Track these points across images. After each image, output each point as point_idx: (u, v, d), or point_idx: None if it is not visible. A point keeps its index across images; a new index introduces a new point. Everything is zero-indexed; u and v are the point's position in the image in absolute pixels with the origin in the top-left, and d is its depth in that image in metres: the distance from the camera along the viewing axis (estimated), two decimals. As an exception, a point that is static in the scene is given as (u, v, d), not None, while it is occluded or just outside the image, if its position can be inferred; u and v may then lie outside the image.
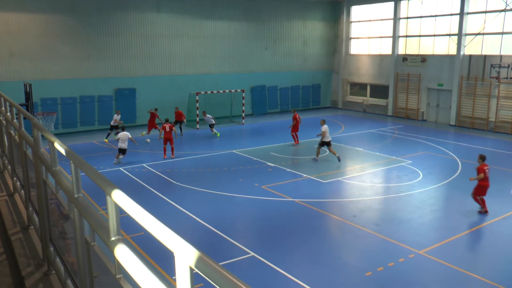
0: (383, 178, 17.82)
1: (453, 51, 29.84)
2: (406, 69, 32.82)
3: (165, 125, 20.67)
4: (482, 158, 14.05)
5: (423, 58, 31.67)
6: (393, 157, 20.23)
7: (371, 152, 21.78)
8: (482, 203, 13.90)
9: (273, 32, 34.64)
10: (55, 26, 25.83)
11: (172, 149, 20.70)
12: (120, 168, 18.65)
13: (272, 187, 16.27)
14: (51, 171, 4.16)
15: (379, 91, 35.28)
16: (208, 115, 25.79)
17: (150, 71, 29.35)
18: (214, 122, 25.66)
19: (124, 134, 19.31)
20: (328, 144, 19.67)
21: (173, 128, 20.70)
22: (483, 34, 28.27)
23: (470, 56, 28.70)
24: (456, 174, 18.03)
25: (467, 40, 29.06)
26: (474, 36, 28.62)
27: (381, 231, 12.46)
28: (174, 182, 16.90)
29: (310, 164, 19.53)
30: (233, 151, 21.95)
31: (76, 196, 3.35)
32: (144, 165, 19.29)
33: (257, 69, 34.19)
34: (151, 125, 25.01)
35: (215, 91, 29.63)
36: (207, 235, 12.18)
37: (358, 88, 37.30)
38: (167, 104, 29.73)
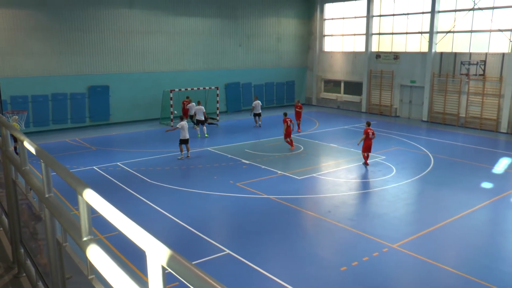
0: (358, 174, 17.99)
1: (425, 48, 30.36)
2: (379, 66, 33.25)
3: (286, 119, 21.19)
4: (368, 124, 18.73)
5: (395, 55, 32.14)
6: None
7: (346, 148, 21.99)
8: (365, 158, 18.52)
9: (247, 28, 34.62)
10: (24, 21, 25.20)
11: (291, 142, 21.52)
12: (94, 167, 18.38)
13: (247, 184, 16.28)
14: (20, 171, 4.08)
15: (353, 88, 35.65)
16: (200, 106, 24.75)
17: (123, 68, 28.98)
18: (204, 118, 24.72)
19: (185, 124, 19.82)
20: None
21: (292, 122, 21.37)
22: (453, 32, 28.84)
23: (441, 53, 29.25)
24: (429, 169, 18.37)
25: (438, 37, 29.61)
26: (445, 34, 29.18)
27: (356, 226, 12.61)
28: (149, 180, 16.75)
29: (285, 161, 19.62)
30: (208, 148, 21.87)
31: (47, 196, 3.29)
32: (118, 163, 19.05)
33: (231, 66, 34.12)
34: (185, 113, 27.31)
35: (189, 88, 29.44)
36: (182, 234, 12.11)
37: (332, 85, 37.60)
38: (141, 101, 29.49)
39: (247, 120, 30.16)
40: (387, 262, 10.55)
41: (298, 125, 26.14)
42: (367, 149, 18.49)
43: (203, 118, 24.56)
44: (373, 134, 18.44)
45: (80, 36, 27.07)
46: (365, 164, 18.64)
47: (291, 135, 21.65)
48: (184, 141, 19.70)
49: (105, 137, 24.94)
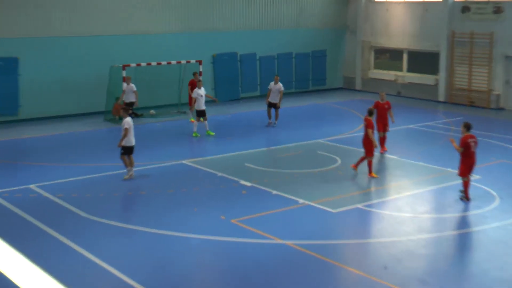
0: (433, 205, 17.92)
1: (545, -5, 30.32)
2: (468, 26, 33.10)
3: (368, 119, 20.30)
4: (466, 126, 17.61)
5: (497, 7, 31.91)
6: (449, 169, 20.34)
7: (412, 162, 21.90)
8: (465, 185, 17.61)
9: (250, -35, 34.79)
10: None
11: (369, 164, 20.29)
12: (-9, 193, 18.28)
13: (248, 220, 16.16)
14: None
15: (424, 62, 35.70)
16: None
17: (43, 29, 28.93)
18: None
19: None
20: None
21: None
22: None
23: None
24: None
25: None
26: None
27: (431, 293, 12.38)
28: (84, 214, 16.61)
29: (310, 182, 19.49)
30: (183, 161, 21.85)
31: None
32: (31, 186, 18.94)
33: (223, 27, 34.20)
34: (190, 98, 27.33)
35: (154, 63, 29.38)
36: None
37: (389, 57, 37.65)
38: (73, 84, 29.31)
39: (247, 115, 30.07)
40: None
41: (381, 141, 23.27)
42: (469, 170, 17.61)
43: (204, 108, 25.72)
44: (476, 144, 17.47)
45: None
46: (466, 197, 17.59)
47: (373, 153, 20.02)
48: (129, 150, 19.61)
49: (11, 142, 25.11)
